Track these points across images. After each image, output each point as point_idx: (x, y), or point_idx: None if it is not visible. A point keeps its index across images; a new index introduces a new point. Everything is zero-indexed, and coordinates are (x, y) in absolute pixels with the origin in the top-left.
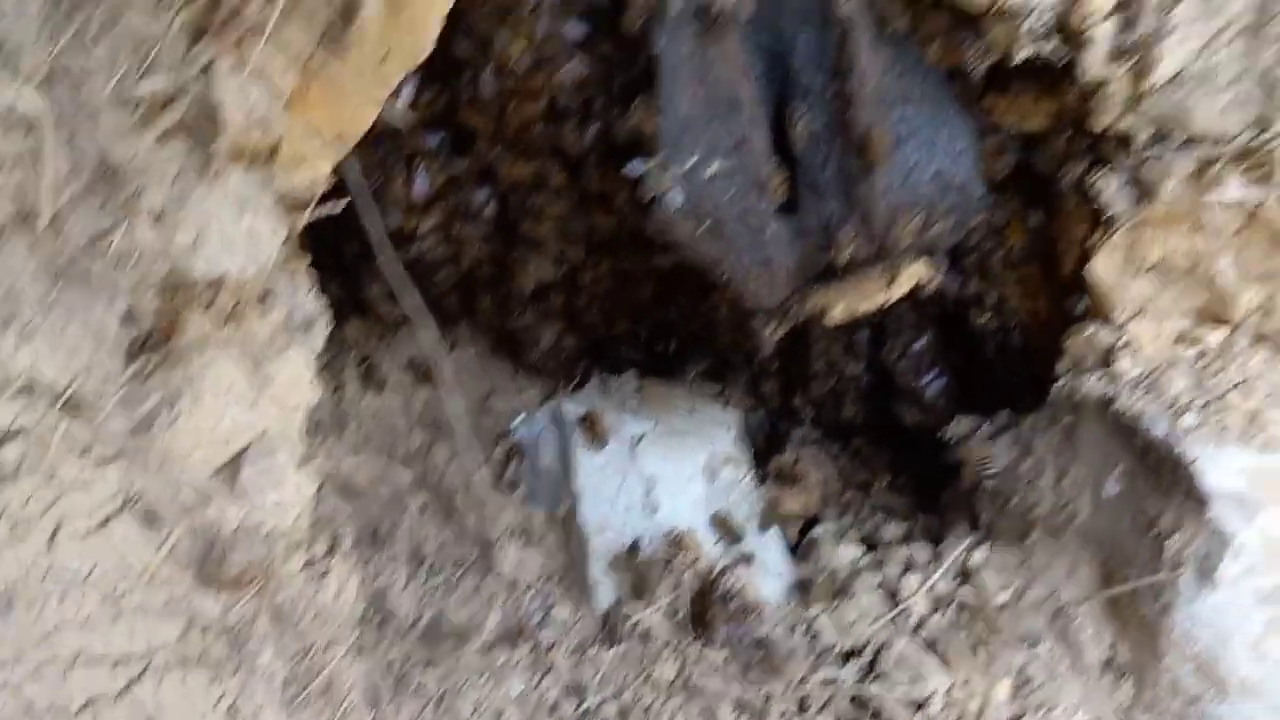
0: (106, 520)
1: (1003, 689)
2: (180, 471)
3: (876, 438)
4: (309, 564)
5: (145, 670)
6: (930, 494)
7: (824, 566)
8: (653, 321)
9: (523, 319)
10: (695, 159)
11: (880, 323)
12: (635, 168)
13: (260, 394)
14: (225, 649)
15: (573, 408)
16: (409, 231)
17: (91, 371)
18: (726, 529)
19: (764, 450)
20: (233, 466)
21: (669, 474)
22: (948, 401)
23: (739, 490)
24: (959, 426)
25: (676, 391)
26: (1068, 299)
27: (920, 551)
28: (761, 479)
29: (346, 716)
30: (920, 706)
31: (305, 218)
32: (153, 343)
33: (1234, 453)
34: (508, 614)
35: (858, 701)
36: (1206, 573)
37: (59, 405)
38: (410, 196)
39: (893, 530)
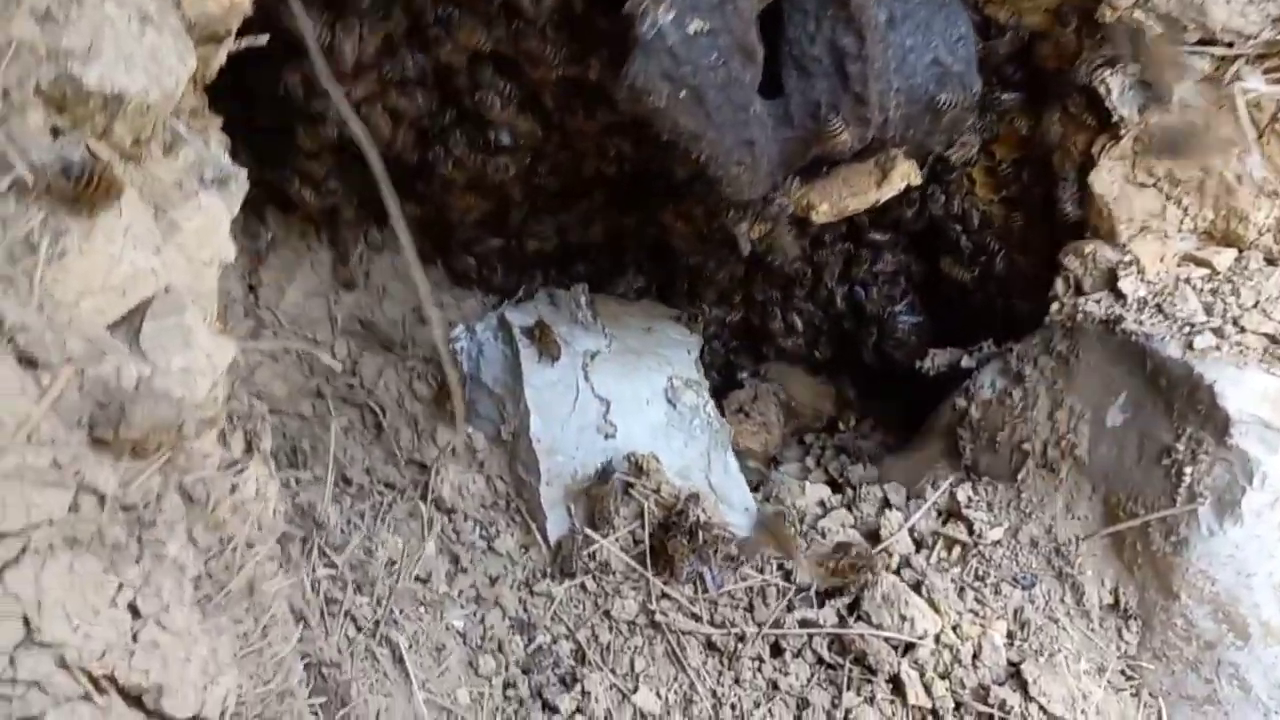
0: None
1: (998, 633)
2: (67, 318)
3: (844, 374)
4: (226, 458)
5: (23, 552)
6: (901, 433)
7: (791, 505)
8: (608, 230)
9: (464, 219)
10: (675, 10)
11: (850, 245)
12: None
13: (165, 241)
14: (125, 531)
15: (520, 318)
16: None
17: None
18: None
19: (719, 385)
20: (132, 321)
21: (625, 395)
22: (919, 333)
23: (700, 418)
24: (939, 359)
25: (630, 308)
26: (1057, 219)
27: (895, 492)
28: (722, 413)
29: (269, 631)
30: (908, 650)
31: (220, 55)
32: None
33: (1257, 376)
34: (445, 543)
35: (838, 645)
36: (1228, 505)
37: None
38: (337, 59)
39: (861, 471)
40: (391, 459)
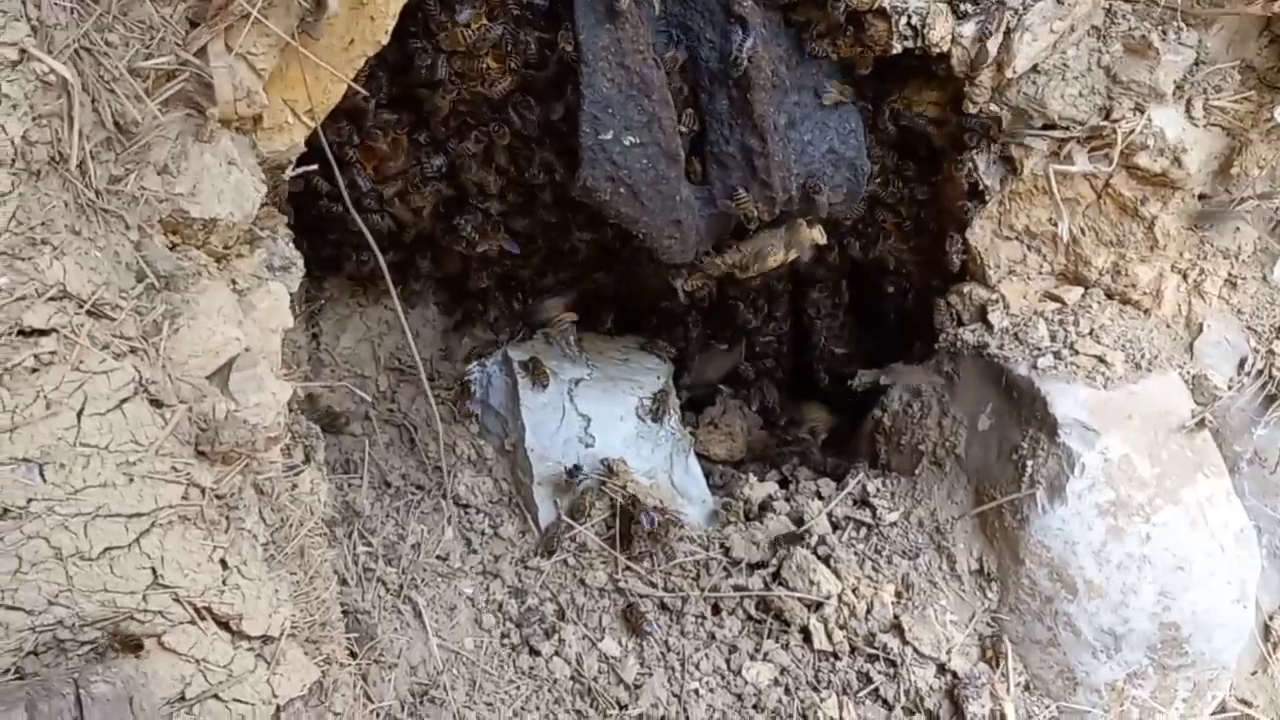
0: (122, 402)
1: (888, 594)
2: (181, 372)
3: (799, 392)
4: (288, 464)
5: (152, 525)
6: (841, 440)
7: (741, 497)
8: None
9: (479, 280)
10: (613, 132)
11: (799, 290)
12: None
13: (245, 317)
14: (217, 512)
15: (518, 354)
16: (376, 196)
17: (109, 285)
18: None
19: (700, 402)
20: (223, 372)
21: (603, 413)
22: (854, 356)
23: (665, 430)
24: (864, 378)
25: (613, 344)
26: (946, 265)
27: (826, 486)
28: (696, 425)
29: (314, 581)
30: (817, 607)
31: (286, 177)
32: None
33: (1080, 389)
34: (461, 530)
35: (763, 604)
36: (1057, 489)
37: (84, 310)
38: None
39: (806, 471)
40: (421, 466)
